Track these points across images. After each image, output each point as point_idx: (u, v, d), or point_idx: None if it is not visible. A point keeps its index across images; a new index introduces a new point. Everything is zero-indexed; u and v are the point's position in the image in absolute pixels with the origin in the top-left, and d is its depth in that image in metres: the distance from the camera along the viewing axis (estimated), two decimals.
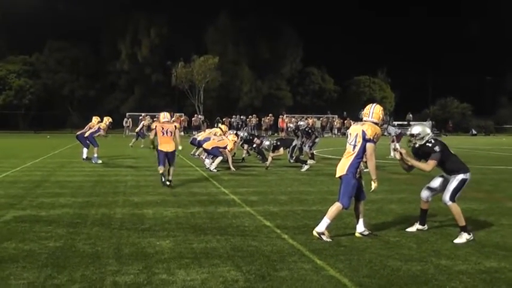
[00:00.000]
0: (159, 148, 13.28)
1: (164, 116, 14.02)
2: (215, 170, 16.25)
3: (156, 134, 13.34)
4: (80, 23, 60.04)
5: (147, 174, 15.64)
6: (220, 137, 17.86)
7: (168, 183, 12.85)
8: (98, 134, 19.79)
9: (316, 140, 19.60)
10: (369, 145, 7.35)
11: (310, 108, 65.93)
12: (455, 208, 7.44)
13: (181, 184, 13.29)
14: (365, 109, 7.75)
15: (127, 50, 65.10)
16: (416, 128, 7.75)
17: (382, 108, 7.79)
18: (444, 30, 70.68)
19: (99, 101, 62.49)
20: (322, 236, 7.24)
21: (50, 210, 9.35)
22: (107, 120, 20.72)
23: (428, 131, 7.73)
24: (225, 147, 16.89)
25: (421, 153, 7.66)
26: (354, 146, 7.44)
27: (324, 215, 7.40)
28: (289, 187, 13.08)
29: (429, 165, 7.49)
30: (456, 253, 6.70)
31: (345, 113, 57.27)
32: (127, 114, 52.37)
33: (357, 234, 7.54)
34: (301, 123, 20.46)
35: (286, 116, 53.44)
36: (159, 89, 64.88)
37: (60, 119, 60.28)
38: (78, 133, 20.32)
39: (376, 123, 7.52)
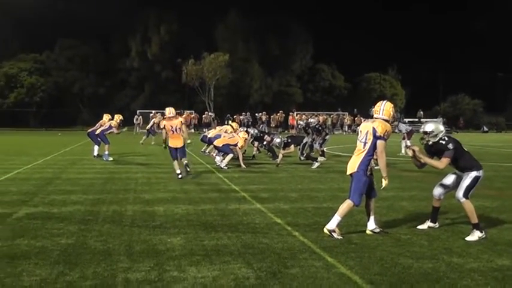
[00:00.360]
0: (170, 145, 14.28)
1: (170, 111, 14.60)
2: (226, 167, 16.27)
3: (167, 133, 13.88)
4: (90, 20, 60.08)
5: (157, 171, 15.68)
6: (230, 134, 17.88)
7: (179, 176, 13.79)
8: (109, 131, 19.85)
9: (327, 137, 19.56)
10: (379, 142, 7.33)
11: (321, 105, 65.81)
12: (469, 205, 7.41)
13: (192, 181, 13.33)
14: (375, 106, 7.72)
15: (137, 47, 65.22)
16: (429, 126, 7.72)
17: (392, 105, 7.78)
18: (455, 26, 70.23)
19: (109, 99, 62.68)
20: (332, 234, 7.24)
21: (62, 207, 9.40)
22: (118, 118, 20.76)
23: (441, 128, 7.69)
24: (235, 145, 16.92)
25: (434, 150, 7.63)
26: (365, 143, 7.42)
27: (335, 212, 7.40)
28: (300, 184, 13.07)
29: (442, 162, 7.46)
30: (468, 251, 6.67)
31: (355, 110, 57.11)
32: (137, 111, 52.48)
33: (367, 232, 7.54)
34: (312, 120, 20.40)
35: (297, 113, 53.41)
36: (169, 86, 64.88)
37: (71, 117, 60.60)
38: (89, 130, 20.44)
39: (386, 120, 7.50)
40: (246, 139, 17.88)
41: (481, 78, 67.35)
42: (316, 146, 19.05)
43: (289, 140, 18.18)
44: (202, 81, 60.06)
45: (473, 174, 7.45)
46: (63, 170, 15.74)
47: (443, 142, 7.51)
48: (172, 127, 14.14)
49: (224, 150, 16.83)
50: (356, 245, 6.87)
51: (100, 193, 11.17)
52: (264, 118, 52.11)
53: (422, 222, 8.05)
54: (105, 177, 14.12)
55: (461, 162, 7.56)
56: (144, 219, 8.46)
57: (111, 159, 18.90)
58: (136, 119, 49.78)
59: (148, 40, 65.12)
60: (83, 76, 64.85)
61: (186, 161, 14.46)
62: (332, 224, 7.30)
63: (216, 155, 17.58)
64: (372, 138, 7.35)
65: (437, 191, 7.85)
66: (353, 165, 7.46)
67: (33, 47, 63.48)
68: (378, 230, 7.54)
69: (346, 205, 7.32)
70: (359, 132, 7.64)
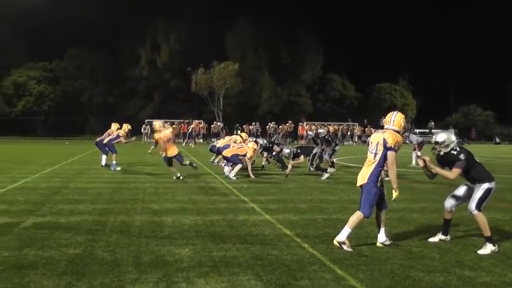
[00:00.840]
0: (168, 155, 16.22)
1: (160, 125, 16.58)
2: (234, 178, 16.27)
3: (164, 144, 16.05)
4: (99, 29, 60.49)
5: (165, 181, 15.70)
6: (240, 144, 17.90)
7: (180, 177, 15.85)
8: (117, 141, 19.90)
9: (336, 148, 19.52)
10: (390, 153, 7.33)
11: (331, 115, 65.70)
12: (481, 218, 7.38)
13: (200, 192, 13.35)
14: (386, 117, 7.73)
15: (146, 56, 65.49)
16: (441, 136, 7.72)
17: (403, 116, 7.77)
18: (466, 37, 70.14)
19: (118, 108, 62.88)
20: (342, 246, 7.21)
21: (69, 217, 9.42)
22: (126, 127, 20.75)
23: (453, 138, 7.68)
24: (244, 155, 16.93)
25: (446, 160, 7.61)
26: (375, 154, 7.42)
27: (345, 224, 7.38)
28: (309, 195, 13.05)
29: (453, 173, 7.43)
30: (480, 264, 6.63)
31: (365, 120, 56.98)
32: (146, 120, 52.62)
33: (378, 244, 7.51)
34: (321, 130, 20.42)
35: (306, 123, 53.37)
36: (179, 95, 65.07)
37: (79, 126, 60.82)
38: (97, 140, 20.49)
39: (397, 131, 7.51)
40: (255, 149, 17.91)
41: (493, 88, 67.04)
42: (326, 156, 19.02)
43: (299, 151, 18.18)
44: (212, 91, 60.21)
45: (486, 186, 7.42)
46: (70, 179, 15.79)
47: (455, 152, 7.50)
48: (166, 138, 15.98)
49: (233, 160, 16.85)
50: (366, 258, 6.85)
51: (108, 203, 11.19)
52: (272, 128, 52.07)
53: (434, 234, 8.01)
54: (113, 186, 14.16)
55: (473, 173, 7.53)
56: (152, 229, 8.47)
57: (118, 168, 18.95)
58: (144, 128, 49.90)
59: (158, 48, 65.40)
60: (92, 85, 65.20)
61: (188, 161, 16.70)
62: (342, 236, 7.28)
63: (224, 165, 17.59)
64: (382, 149, 7.35)
65: (449, 203, 7.81)
66: (363, 177, 7.45)
67: (42, 56, 63.97)
68: (388, 243, 7.51)
69: (356, 217, 7.30)
70: (369, 143, 7.64)
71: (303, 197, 12.62)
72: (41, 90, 62.14)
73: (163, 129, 16.14)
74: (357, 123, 57.55)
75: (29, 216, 9.45)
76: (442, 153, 7.64)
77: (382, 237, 7.56)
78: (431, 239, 7.89)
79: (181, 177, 15.81)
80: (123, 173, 18.05)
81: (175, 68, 64.46)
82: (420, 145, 21.52)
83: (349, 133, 55.90)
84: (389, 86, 71.06)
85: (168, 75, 65.22)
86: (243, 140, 19.06)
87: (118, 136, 19.97)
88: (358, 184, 7.51)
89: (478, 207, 7.37)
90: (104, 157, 20.03)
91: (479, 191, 7.43)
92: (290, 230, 8.51)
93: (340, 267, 6.36)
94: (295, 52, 65.78)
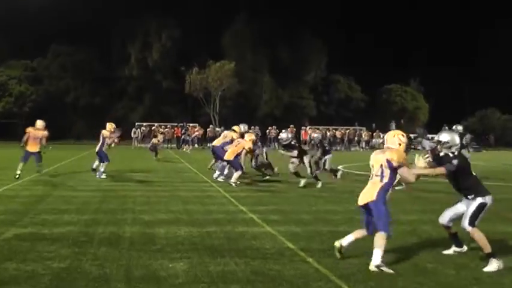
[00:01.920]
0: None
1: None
2: (235, 185, 16.35)
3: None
4: (86, 25, 60.48)
5: (158, 189, 15.70)
6: (236, 141, 17.97)
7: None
8: (110, 143, 19.52)
9: (327, 156, 19.67)
10: (402, 171, 7.39)
11: (336, 118, 65.71)
12: (478, 234, 7.40)
13: (196, 201, 13.34)
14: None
15: (136, 55, 65.49)
16: (445, 136, 7.83)
17: (397, 132, 7.75)
18: (481, 35, 70.26)
19: (105, 109, 62.73)
20: (382, 268, 6.99)
21: (54, 228, 9.41)
22: (111, 126, 20.15)
23: (457, 141, 7.78)
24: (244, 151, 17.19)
25: (441, 162, 7.75)
26: (382, 176, 7.39)
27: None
28: (313, 205, 13.04)
29: (435, 170, 7.68)
30: (500, 281, 6.62)
31: (373, 124, 56.93)
32: (136, 123, 52.62)
33: (336, 244, 7.61)
34: (315, 135, 20.65)
35: (309, 127, 53.34)
36: (171, 97, 64.94)
37: (63, 129, 60.67)
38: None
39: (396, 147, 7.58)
40: (253, 140, 17.90)
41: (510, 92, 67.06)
42: (327, 166, 19.24)
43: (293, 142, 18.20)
44: (207, 92, 60.15)
45: (478, 200, 7.49)
46: (54, 187, 15.78)
47: (451, 155, 7.66)
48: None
49: (235, 165, 16.99)
50: (376, 273, 6.83)
51: (95, 213, 11.18)
52: (274, 133, 51.84)
53: (448, 247, 8.01)
54: (101, 195, 14.14)
55: (463, 183, 7.64)
56: (143, 242, 8.46)
57: (104, 177, 18.81)
58: (135, 132, 49.90)
59: (149, 47, 65.38)
60: (77, 85, 65.06)
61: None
62: (376, 260, 7.08)
63: (216, 170, 17.92)
64: (389, 171, 7.34)
65: (442, 219, 7.89)
66: (370, 194, 7.40)
67: (24, 53, 63.89)
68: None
69: (379, 238, 7.18)
70: (371, 167, 7.58)
71: (306, 207, 12.62)
72: (22, 90, 62.00)
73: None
74: (364, 128, 57.53)
75: (10, 227, 9.42)
76: (442, 153, 7.77)
77: (345, 241, 7.61)
78: (445, 251, 7.91)
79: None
80: (111, 181, 18.02)
81: (168, 67, 64.42)
82: (433, 151, 21.48)
83: (356, 138, 55.86)
84: (399, 88, 70.99)
85: (160, 75, 65.21)
86: (238, 134, 18.98)
87: (104, 140, 19.52)
88: (363, 202, 7.45)
89: (472, 223, 7.41)
90: (97, 162, 19.79)
91: (471, 206, 7.50)
92: (293, 243, 8.50)
93: (347, 283, 6.36)
94: (297, 51, 65.78)
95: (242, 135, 18.69)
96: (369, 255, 7.70)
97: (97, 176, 18.78)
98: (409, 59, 68.24)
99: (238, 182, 16.62)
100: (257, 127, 52.26)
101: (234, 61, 59.25)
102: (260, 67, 64.51)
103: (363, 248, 7.64)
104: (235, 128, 19.71)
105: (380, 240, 7.16)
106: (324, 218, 11.06)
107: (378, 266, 7.06)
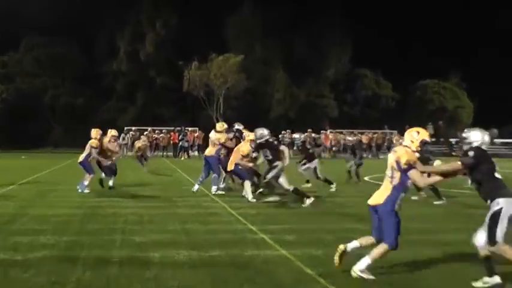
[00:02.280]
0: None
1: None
2: (253, 200, 16.46)
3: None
4: (67, 13, 60.59)
5: (151, 205, 15.69)
6: (231, 143, 18.05)
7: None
8: (92, 157, 19.50)
9: (310, 164, 19.92)
10: (412, 174, 7.70)
11: (361, 120, 65.57)
12: (505, 250, 7.42)
13: (196, 219, 13.31)
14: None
15: (126, 47, 65.71)
16: (468, 132, 8.15)
17: (415, 128, 8.21)
18: None
19: (89, 112, 62.89)
20: (362, 274, 7.71)
21: (28, 253, 9.39)
22: (97, 133, 20.01)
23: (479, 137, 8.01)
24: (246, 156, 17.01)
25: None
26: (392, 178, 7.86)
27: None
28: (335, 223, 13.00)
29: (452, 165, 7.97)
30: None
31: (407, 126, 56.54)
32: (125, 128, 52.65)
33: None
34: (296, 135, 21.01)
35: (330, 131, 53.24)
36: (167, 96, 65.07)
37: (39, 134, 60.78)
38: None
39: (408, 145, 7.98)
40: (251, 140, 17.74)
41: None
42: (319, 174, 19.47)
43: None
44: (209, 90, 60.25)
45: (494, 209, 7.53)
46: (29, 204, 15.79)
47: (467, 147, 7.91)
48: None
49: (241, 174, 17.07)
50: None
51: (78, 234, 11.18)
52: (287, 137, 51.76)
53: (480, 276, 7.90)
54: (84, 213, 14.14)
55: (484, 186, 7.73)
56: (135, 268, 8.45)
57: (87, 191, 18.84)
58: (124, 138, 49.92)
59: (141, 38, 65.56)
60: (56, 83, 65.30)
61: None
62: (361, 265, 7.76)
63: (213, 183, 17.99)
64: (398, 173, 7.76)
65: (476, 239, 7.82)
66: (380, 197, 7.89)
67: None
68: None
69: (381, 248, 7.75)
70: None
71: (326, 225, 12.56)
72: None
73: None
74: (395, 131, 57.23)
75: None
76: (464, 148, 8.02)
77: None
78: (475, 284, 7.72)
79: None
80: (97, 196, 17.99)
81: (163, 61, 64.67)
82: None
83: (385, 144, 55.59)
84: (436, 84, 70.72)
85: (154, 70, 65.49)
86: (221, 132, 18.94)
87: (90, 151, 19.51)
88: (372, 203, 7.94)
89: (491, 239, 7.43)
90: (107, 177, 19.81)
91: (487, 218, 7.57)
92: (312, 269, 8.48)
93: None
94: (315, 42, 65.75)
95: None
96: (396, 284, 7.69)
97: (79, 190, 18.81)
98: (447, 49, 67.97)
99: (254, 195, 16.75)
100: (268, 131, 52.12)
101: (241, 54, 59.29)
102: (271, 61, 64.51)
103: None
104: (218, 126, 19.61)
105: (379, 251, 7.73)
106: (347, 238, 10.89)
107: (360, 270, 7.72)
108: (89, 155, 19.27)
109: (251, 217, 13.66)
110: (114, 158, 19.82)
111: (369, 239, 8.05)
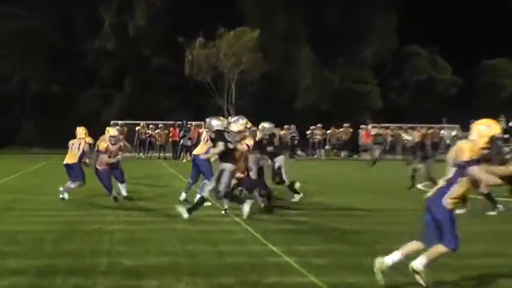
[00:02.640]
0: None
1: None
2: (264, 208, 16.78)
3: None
4: None
5: (145, 220, 15.77)
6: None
7: None
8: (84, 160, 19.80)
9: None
10: (471, 171, 8.01)
11: (413, 111, 64.95)
12: None
13: (202, 237, 13.36)
14: None
15: (111, 20, 65.66)
16: None
17: (485, 120, 8.59)
18: None
19: (67, 102, 62.87)
20: (416, 276, 8.28)
21: None
22: (83, 131, 20.21)
23: None
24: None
25: None
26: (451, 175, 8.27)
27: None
28: (377, 242, 12.93)
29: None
30: None
31: (472, 120, 56.25)
32: (111, 122, 52.63)
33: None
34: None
35: (373, 126, 53.00)
36: (164, 82, 64.80)
37: (6, 131, 60.96)
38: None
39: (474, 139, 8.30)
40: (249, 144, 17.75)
41: None
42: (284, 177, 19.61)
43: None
44: (218, 74, 60.02)
45: None
46: None
47: None
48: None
49: (249, 183, 17.23)
50: None
51: (53, 256, 11.26)
52: (319, 135, 51.56)
53: None
54: (61, 229, 14.24)
55: None
56: None
57: (66, 196, 18.99)
58: None
59: (130, 8, 65.42)
60: (26, 65, 65.17)
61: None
62: (419, 264, 8.28)
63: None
64: (454, 168, 8.20)
65: None
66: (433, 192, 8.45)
67: None
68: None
69: (437, 249, 8.23)
70: None
71: (365, 247, 12.53)
72: None
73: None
74: (457, 125, 56.88)
75: None
76: None
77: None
78: None
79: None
80: (77, 207, 18.10)
81: (158, 37, 64.43)
82: None
83: (444, 142, 55.24)
84: (508, 63, 70.13)
85: (147, 49, 65.35)
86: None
87: (83, 152, 19.74)
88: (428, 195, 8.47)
89: None
90: (122, 185, 20.11)
91: None
92: None
93: None
94: (352, 13, 65.38)
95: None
96: None
97: (59, 194, 18.96)
98: None
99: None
100: (293, 126, 51.95)
101: (258, 28, 58.95)
102: (296, 37, 64.22)
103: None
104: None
105: (436, 251, 8.23)
106: None
107: (416, 271, 8.25)
108: (83, 155, 19.51)
109: (271, 235, 13.63)
110: (119, 157, 19.97)
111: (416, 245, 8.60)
